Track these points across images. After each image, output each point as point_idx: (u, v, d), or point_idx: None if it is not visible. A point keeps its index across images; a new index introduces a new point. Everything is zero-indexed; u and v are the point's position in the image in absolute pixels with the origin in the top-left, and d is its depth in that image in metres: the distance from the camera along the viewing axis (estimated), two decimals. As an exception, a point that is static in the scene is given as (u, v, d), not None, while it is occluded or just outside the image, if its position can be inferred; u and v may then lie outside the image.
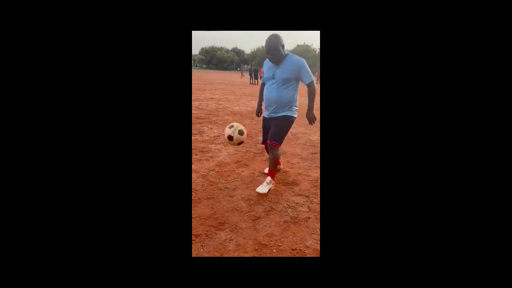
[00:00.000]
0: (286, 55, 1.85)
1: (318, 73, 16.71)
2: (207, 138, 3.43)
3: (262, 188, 1.97)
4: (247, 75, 24.75)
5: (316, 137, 3.72)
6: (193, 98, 7.39)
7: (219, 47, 66.56)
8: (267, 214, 1.70)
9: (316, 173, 2.42)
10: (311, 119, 1.92)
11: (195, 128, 3.92)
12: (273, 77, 1.87)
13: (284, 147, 2.96)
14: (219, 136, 3.55)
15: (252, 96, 8.94)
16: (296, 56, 1.85)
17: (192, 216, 1.63)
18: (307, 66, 1.84)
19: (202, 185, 2.07)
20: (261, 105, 2.16)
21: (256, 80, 16.74)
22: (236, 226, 1.56)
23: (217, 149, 3.01)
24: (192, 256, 1.29)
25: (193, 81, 14.02)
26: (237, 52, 67.49)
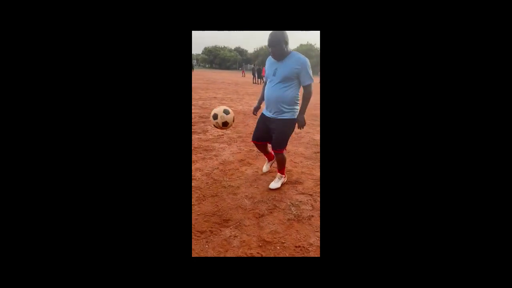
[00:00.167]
0: (289, 52, 1.77)
1: None
2: (210, 137, 3.46)
3: (275, 184, 1.98)
4: (248, 75, 24.74)
5: (319, 136, 3.76)
6: (197, 97, 7.43)
7: (222, 46, 66.63)
8: (271, 212, 1.72)
9: (319, 172, 2.44)
10: (300, 123, 1.85)
11: (199, 127, 3.95)
12: (274, 74, 1.81)
13: (287, 146, 2.98)
14: (222, 135, 3.57)
15: (255, 96, 8.95)
16: (301, 54, 1.77)
17: (197, 213, 1.65)
18: (310, 67, 1.77)
19: (207, 183, 2.09)
20: (261, 103, 2.11)
21: (259, 80, 16.74)
22: (240, 223, 1.58)
23: (221, 148, 3.03)
24: (193, 255, 1.31)
25: (196, 81, 14.07)
26: (240, 51, 67.51)
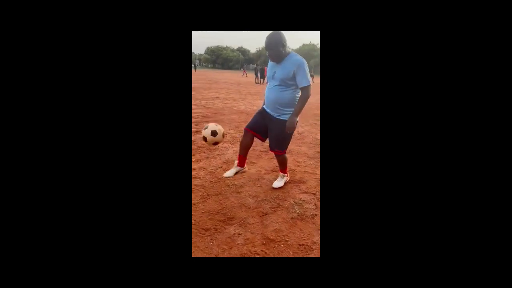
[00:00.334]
0: (288, 53, 1.74)
1: None
2: (214, 136, 3.47)
3: (278, 183, 1.99)
4: (250, 74, 24.74)
5: (322, 136, 3.74)
6: (199, 97, 7.46)
7: (225, 46, 66.71)
8: (274, 211, 1.73)
9: (322, 172, 2.44)
10: (289, 125, 1.75)
11: (202, 126, 3.97)
12: (273, 77, 1.79)
13: (290, 145, 2.98)
14: (225, 134, 3.59)
15: (257, 96, 8.97)
16: (298, 55, 1.73)
17: (201, 211, 1.67)
18: (307, 68, 1.71)
19: (210, 181, 2.11)
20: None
21: (262, 80, 16.74)
22: (244, 221, 1.60)
23: (224, 147, 3.06)
24: (197, 253, 1.33)
25: (199, 81, 14.10)
26: (242, 51, 67.52)
